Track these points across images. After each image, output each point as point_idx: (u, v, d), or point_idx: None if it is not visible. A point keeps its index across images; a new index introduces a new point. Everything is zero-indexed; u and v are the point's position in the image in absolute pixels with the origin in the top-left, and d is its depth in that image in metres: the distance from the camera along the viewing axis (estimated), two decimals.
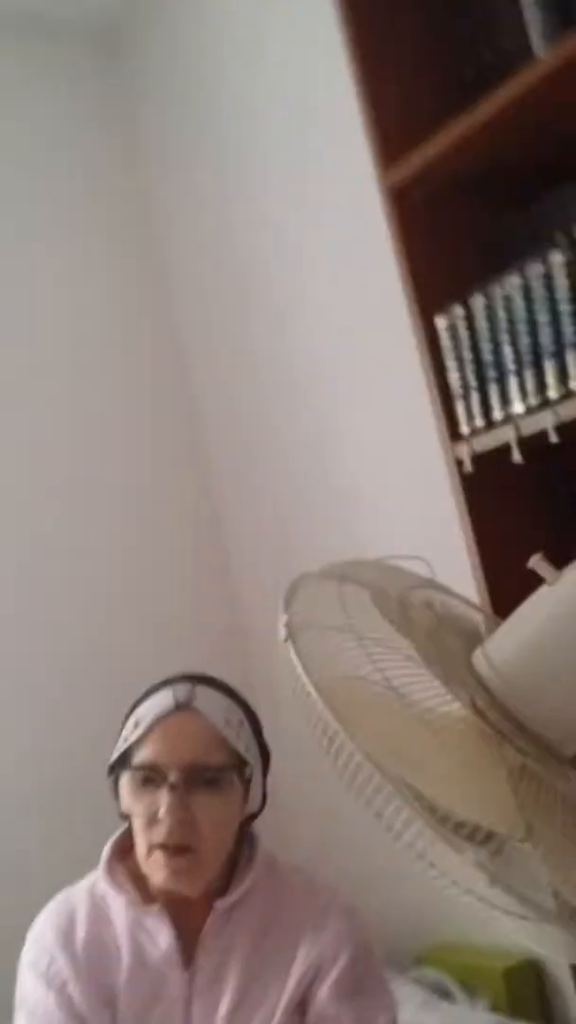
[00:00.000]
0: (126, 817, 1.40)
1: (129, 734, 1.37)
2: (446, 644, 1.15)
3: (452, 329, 1.59)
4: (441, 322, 1.61)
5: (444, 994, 2.16)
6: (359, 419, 2.43)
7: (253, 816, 1.46)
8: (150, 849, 1.34)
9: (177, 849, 1.32)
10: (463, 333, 1.58)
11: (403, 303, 1.66)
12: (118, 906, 1.38)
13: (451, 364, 1.61)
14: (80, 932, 1.37)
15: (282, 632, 1.10)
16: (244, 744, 1.38)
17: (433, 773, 1.00)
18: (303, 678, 1.03)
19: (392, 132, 1.61)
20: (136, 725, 1.37)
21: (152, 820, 1.32)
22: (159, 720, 1.35)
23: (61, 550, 2.65)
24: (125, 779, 1.37)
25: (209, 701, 1.38)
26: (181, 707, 1.36)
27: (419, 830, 0.94)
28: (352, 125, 1.69)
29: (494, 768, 1.02)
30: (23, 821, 2.43)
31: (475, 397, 1.59)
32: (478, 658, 1.10)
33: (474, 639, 1.18)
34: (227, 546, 2.90)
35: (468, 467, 1.59)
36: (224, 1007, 1.31)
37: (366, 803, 1.13)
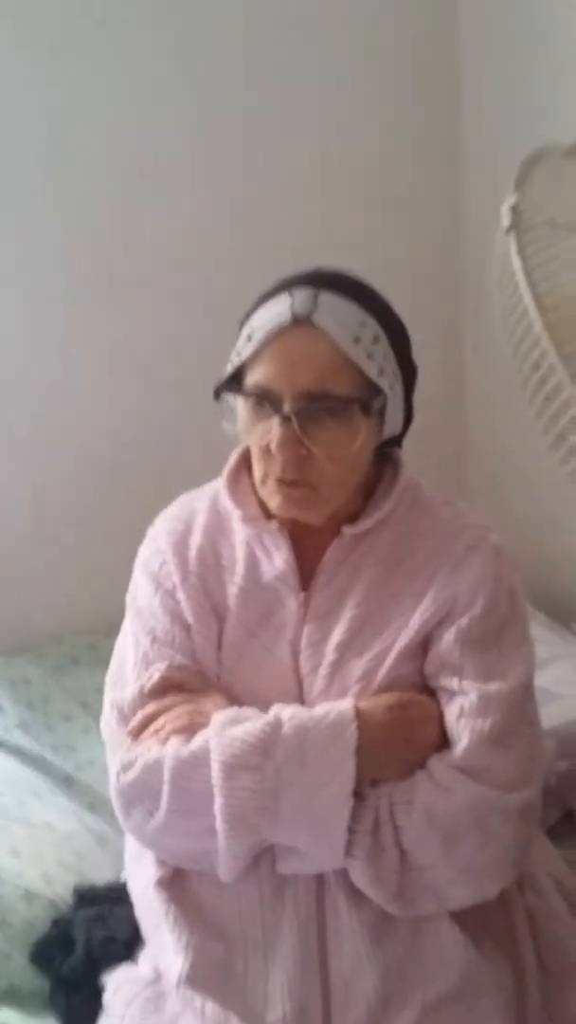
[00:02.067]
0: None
1: (242, 348, 1.17)
2: None
3: None
4: None
5: None
6: None
7: (396, 439, 1.26)
8: (264, 477, 1.19)
9: (292, 483, 1.17)
10: None
11: None
12: (238, 519, 1.26)
13: None
14: (195, 539, 1.28)
15: (505, 218, 0.79)
16: (377, 366, 1.15)
17: None
18: (521, 285, 0.75)
19: None
20: (249, 338, 1.15)
21: (267, 451, 1.17)
22: (273, 336, 1.13)
23: None
24: (240, 401, 1.19)
25: (335, 314, 1.13)
26: (299, 321, 1.12)
27: None
28: None
29: None
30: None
31: None
32: None
33: None
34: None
35: None
36: (337, 636, 1.20)
37: (568, 457, 0.90)
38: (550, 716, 1.52)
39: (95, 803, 1.63)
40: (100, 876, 1.43)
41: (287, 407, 1.12)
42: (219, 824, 1.08)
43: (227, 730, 1.10)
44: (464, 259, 2.46)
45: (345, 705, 1.12)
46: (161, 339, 2.23)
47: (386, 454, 1.27)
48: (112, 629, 1.33)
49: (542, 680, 1.59)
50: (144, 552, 1.31)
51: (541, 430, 0.77)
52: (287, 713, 1.12)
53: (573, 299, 0.81)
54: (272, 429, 1.13)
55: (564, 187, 0.89)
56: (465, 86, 2.38)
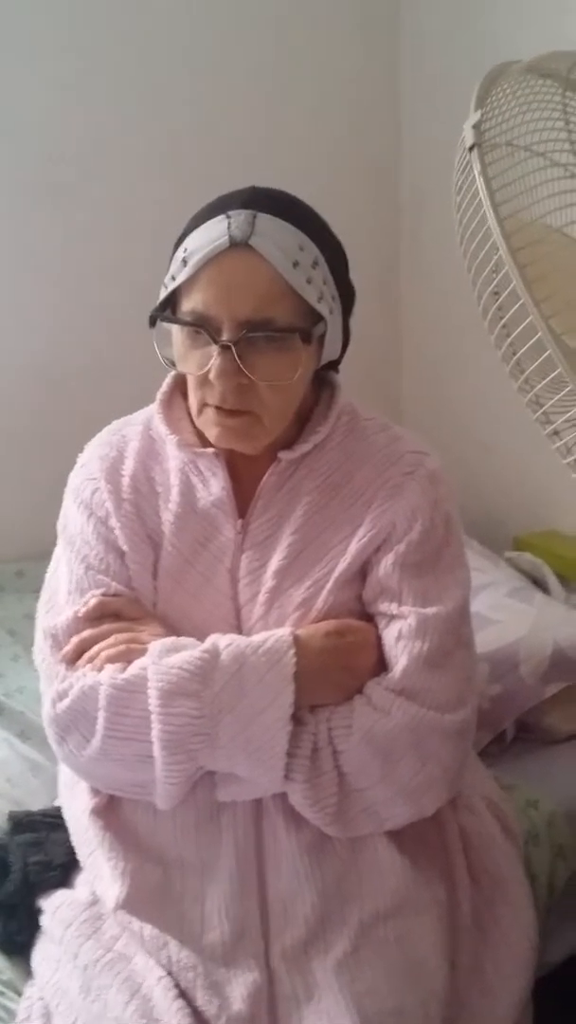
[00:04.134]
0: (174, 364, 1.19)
1: (176, 272, 1.12)
2: None
3: None
4: None
5: (539, 583, 2.04)
6: None
7: (333, 363, 1.24)
8: (202, 406, 1.16)
9: (232, 412, 1.14)
10: None
11: None
12: (173, 445, 1.23)
13: None
14: (128, 466, 1.24)
15: (469, 137, 0.77)
16: (317, 291, 1.11)
17: None
18: (485, 206, 0.73)
19: None
20: (184, 262, 1.11)
21: (204, 380, 1.13)
22: (209, 260, 1.09)
23: None
24: (175, 328, 1.15)
25: (273, 237, 1.09)
26: (236, 245, 1.08)
27: None
28: None
29: None
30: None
31: None
32: None
33: None
34: None
35: None
36: (275, 563, 1.18)
37: (524, 386, 0.89)
38: (484, 641, 1.55)
39: (26, 730, 1.61)
40: (34, 803, 1.42)
41: (226, 335, 1.09)
42: (156, 751, 1.07)
43: (164, 658, 1.09)
44: (402, 181, 2.43)
45: (283, 632, 1.12)
46: (99, 259, 2.17)
47: (322, 378, 1.25)
48: (41, 555, 1.30)
49: (476, 606, 1.62)
50: (75, 480, 1.27)
51: (499, 358, 0.76)
52: (224, 641, 1.11)
53: (533, 224, 0.79)
54: (210, 358, 1.10)
55: (521, 107, 0.86)
56: (405, 10, 2.34)
